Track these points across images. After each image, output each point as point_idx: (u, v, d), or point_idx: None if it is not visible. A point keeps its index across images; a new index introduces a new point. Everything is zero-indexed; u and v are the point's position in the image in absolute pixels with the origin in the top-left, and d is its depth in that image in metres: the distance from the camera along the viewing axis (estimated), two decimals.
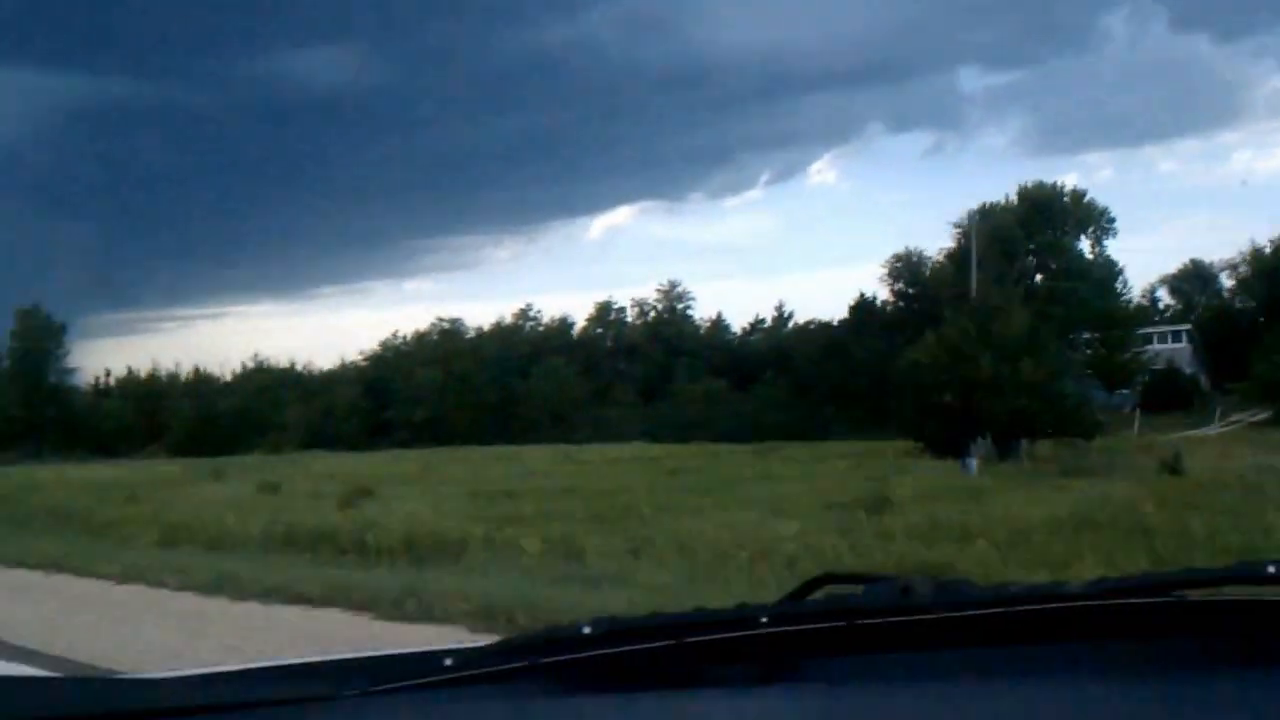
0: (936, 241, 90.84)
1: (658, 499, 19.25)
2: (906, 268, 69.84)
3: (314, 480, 26.64)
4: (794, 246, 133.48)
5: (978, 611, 1.45)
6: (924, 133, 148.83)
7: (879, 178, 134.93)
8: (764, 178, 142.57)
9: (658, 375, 77.39)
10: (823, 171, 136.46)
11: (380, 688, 1.44)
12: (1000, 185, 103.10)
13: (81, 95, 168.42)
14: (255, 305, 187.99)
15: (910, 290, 68.60)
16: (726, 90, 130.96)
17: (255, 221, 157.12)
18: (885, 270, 70.76)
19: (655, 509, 17.25)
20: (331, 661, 1.60)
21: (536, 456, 38.52)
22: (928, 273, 67.29)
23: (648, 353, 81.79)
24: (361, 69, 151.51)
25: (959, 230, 61.01)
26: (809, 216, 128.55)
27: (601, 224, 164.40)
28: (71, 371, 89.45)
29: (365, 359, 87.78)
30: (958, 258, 57.97)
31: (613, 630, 1.44)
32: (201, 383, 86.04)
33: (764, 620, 1.44)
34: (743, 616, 1.45)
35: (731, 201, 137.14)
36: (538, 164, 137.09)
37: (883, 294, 71.20)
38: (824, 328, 75.05)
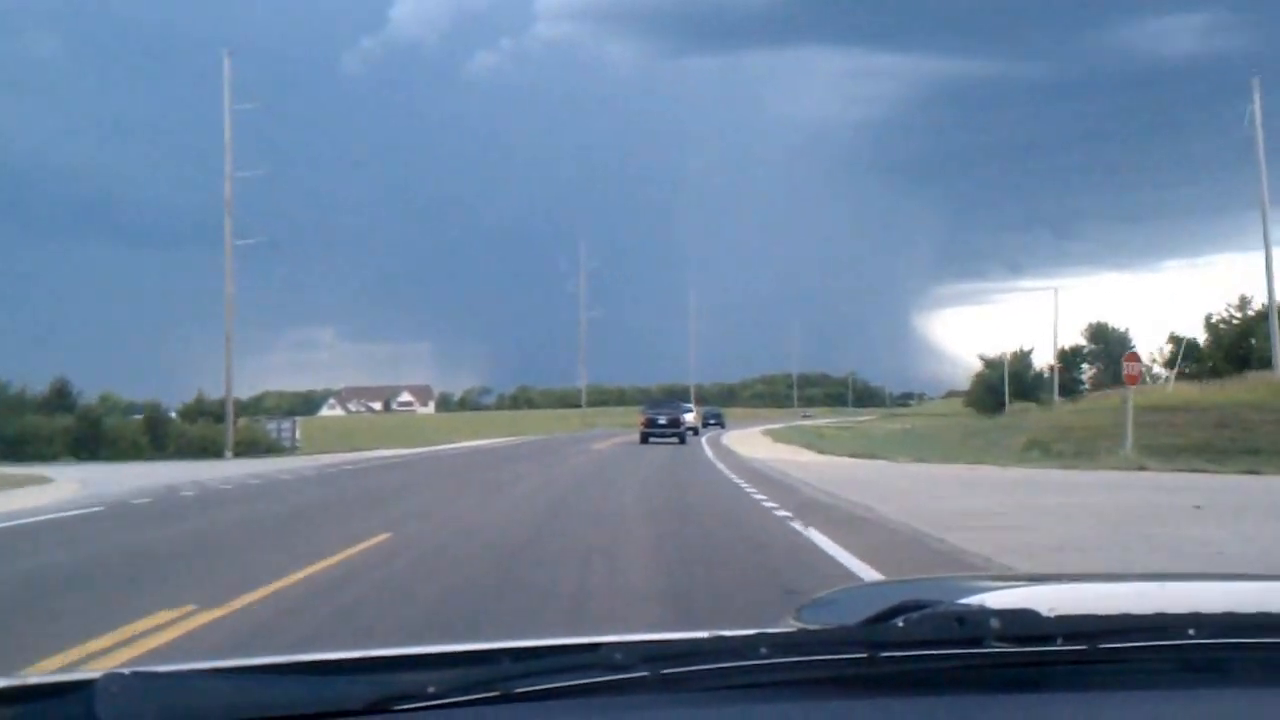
0: None
1: None
2: None
3: None
4: None
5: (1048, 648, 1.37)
6: None
7: None
8: None
9: None
10: None
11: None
12: None
13: (935, 75, 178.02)
14: (1095, 277, 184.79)
15: None
16: None
17: (1097, 193, 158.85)
18: None
19: None
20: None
21: None
22: None
23: None
24: (1218, 33, 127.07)
25: None
26: None
27: None
28: None
29: None
30: None
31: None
32: None
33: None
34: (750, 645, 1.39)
35: None
36: None
37: None
38: None
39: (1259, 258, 56.59)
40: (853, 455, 31.78)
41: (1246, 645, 1.44)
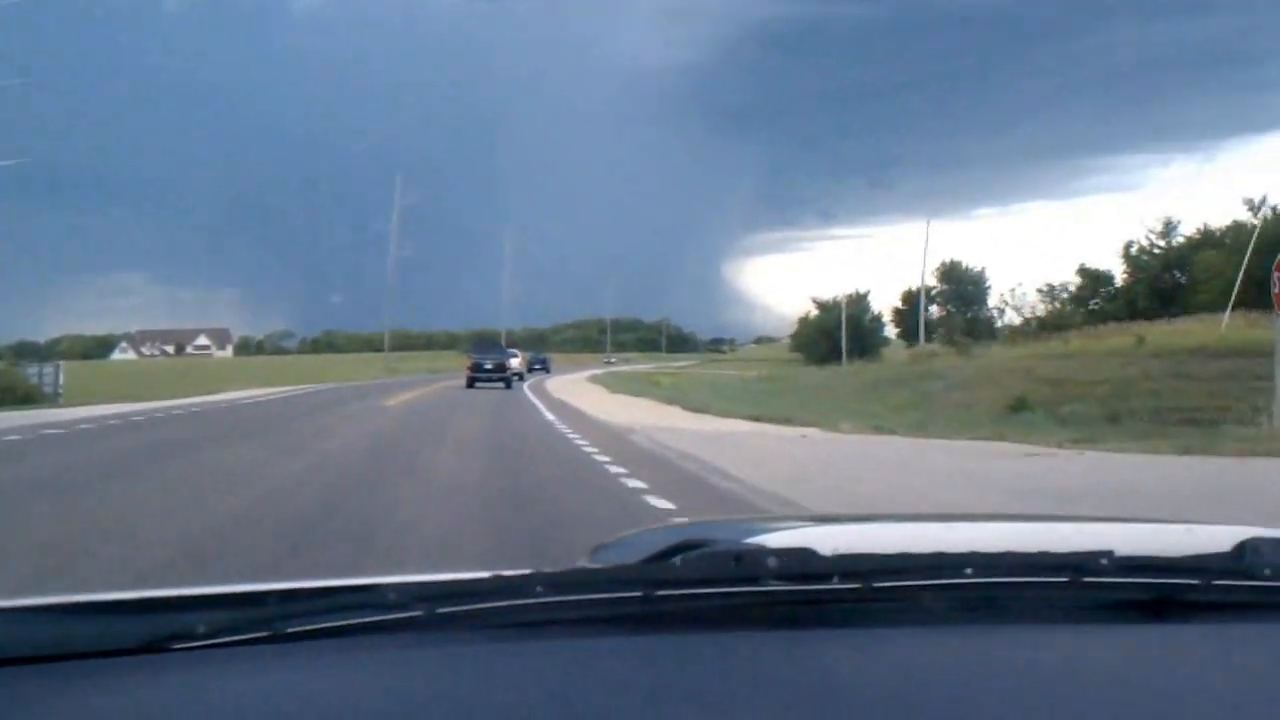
0: None
1: None
2: None
3: None
4: None
5: (824, 586, 1.40)
6: None
7: None
8: None
9: None
10: None
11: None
12: None
13: (753, 17, 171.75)
14: (907, 225, 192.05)
15: None
16: None
17: (910, 141, 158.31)
18: None
19: None
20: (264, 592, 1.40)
21: None
22: None
23: None
24: None
25: None
26: None
27: None
28: None
29: None
30: None
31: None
32: None
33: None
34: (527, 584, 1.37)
35: None
36: (1216, 75, 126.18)
37: None
38: None
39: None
40: (754, 419, 22.93)
41: (1022, 584, 1.47)
